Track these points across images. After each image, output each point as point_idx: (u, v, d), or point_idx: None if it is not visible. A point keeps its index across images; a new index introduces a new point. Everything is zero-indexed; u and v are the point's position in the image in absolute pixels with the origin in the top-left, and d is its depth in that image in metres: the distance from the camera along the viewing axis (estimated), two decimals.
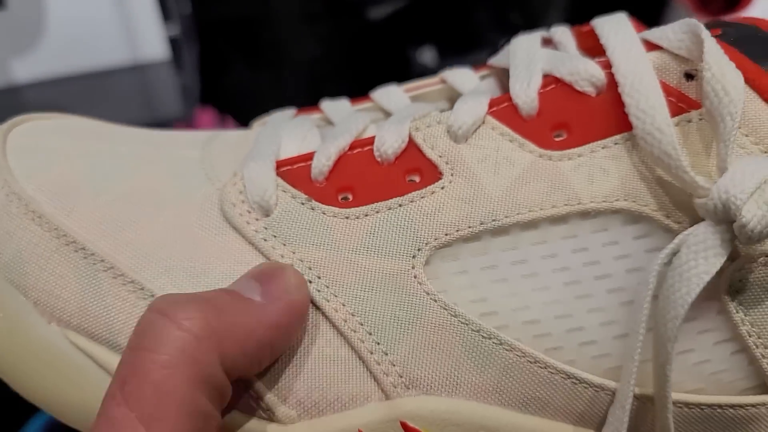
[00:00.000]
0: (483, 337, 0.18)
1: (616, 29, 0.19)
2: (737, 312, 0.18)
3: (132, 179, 0.20)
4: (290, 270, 0.18)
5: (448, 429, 0.19)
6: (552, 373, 0.19)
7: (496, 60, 0.22)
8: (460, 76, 0.23)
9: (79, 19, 0.58)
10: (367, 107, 0.23)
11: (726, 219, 0.16)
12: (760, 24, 0.20)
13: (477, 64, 0.24)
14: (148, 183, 0.20)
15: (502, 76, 0.22)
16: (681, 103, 0.18)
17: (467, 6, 0.71)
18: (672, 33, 0.19)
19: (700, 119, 0.18)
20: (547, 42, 0.21)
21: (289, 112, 0.23)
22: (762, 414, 0.19)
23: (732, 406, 0.19)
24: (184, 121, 0.61)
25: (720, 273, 0.17)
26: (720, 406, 0.19)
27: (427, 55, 0.70)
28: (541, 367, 0.19)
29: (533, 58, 0.20)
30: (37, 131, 0.22)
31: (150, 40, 0.60)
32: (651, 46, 0.19)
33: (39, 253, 0.19)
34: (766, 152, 0.18)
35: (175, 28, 0.61)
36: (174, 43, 0.61)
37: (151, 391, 0.15)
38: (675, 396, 0.18)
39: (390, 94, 0.23)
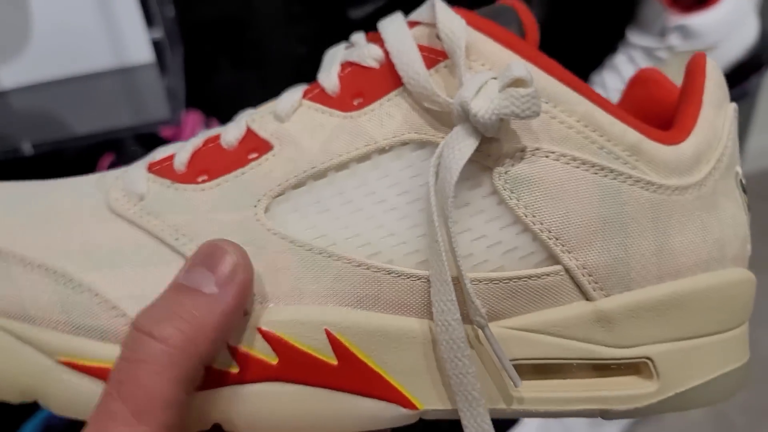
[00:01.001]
0: (315, 253, 0.24)
1: (389, 21, 0.26)
2: (511, 199, 0.23)
3: (38, 204, 0.26)
4: (230, 246, 0.23)
5: (296, 329, 0.23)
6: (375, 272, 0.24)
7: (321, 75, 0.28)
8: (295, 87, 0.28)
9: (63, 24, 0.58)
10: None
11: (467, 117, 0.22)
12: (516, 6, 0.28)
13: None
14: (55, 204, 0.26)
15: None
16: (434, 56, 0.24)
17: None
18: (424, 10, 0.25)
19: (446, 66, 0.24)
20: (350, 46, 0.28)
21: None
22: (556, 281, 0.24)
23: (529, 277, 0.24)
24: (171, 124, 0.61)
25: (489, 171, 0.23)
26: (518, 278, 0.24)
27: None
28: (365, 269, 0.24)
29: (335, 56, 0.26)
30: None
31: (134, 43, 0.61)
32: (414, 24, 0.25)
33: None
34: (491, 70, 0.23)
35: (159, 30, 0.61)
36: (158, 45, 0.62)
37: (142, 392, 0.20)
38: (480, 274, 0.23)
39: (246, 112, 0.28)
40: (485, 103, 0.21)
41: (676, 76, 0.28)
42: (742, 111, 0.97)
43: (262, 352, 0.23)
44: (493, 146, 0.23)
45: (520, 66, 0.21)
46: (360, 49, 0.26)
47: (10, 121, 0.62)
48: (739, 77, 0.72)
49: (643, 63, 0.72)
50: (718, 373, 0.25)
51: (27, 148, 0.63)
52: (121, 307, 0.23)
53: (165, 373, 0.20)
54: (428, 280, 0.23)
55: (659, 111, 0.28)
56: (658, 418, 1.24)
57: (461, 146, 0.22)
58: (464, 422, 0.22)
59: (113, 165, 0.66)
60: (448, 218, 0.22)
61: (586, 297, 0.24)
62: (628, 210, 0.23)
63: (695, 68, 0.26)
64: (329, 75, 0.25)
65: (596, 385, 0.24)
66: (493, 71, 0.23)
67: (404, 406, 0.24)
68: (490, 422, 0.22)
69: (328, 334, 0.23)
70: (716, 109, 0.25)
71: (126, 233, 0.24)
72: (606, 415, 0.24)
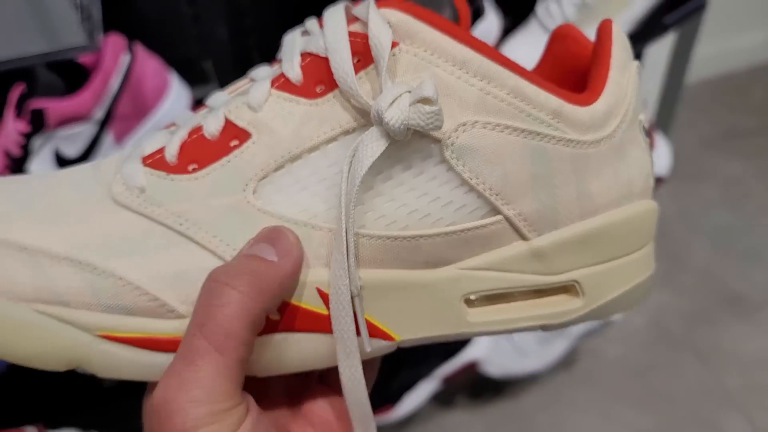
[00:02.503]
0: (300, 226, 0.28)
1: (331, 13, 0.28)
2: (458, 166, 0.27)
3: (47, 199, 0.28)
4: (287, 230, 0.27)
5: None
6: (305, 227, 0.28)
7: (280, 54, 0.30)
8: (259, 71, 0.30)
9: None
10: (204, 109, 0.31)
11: (381, 122, 0.25)
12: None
13: None
14: (62, 199, 0.28)
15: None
16: (365, 58, 0.27)
17: None
18: (362, 9, 0.27)
19: (373, 69, 0.27)
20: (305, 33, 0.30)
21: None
22: (498, 228, 0.29)
23: (476, 227, 0.28)
24: (88, 50, 0.55)
25: (438, 143, 0.27)
26: (468, 229, 0.28)
27: None
28: (302, 226, 0.28)
29: (294, 44, 0.29)
30: None
31: None
32: (353, 20, 0.28)
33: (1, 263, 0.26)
34: (433, 54, 0.26)
35: None
36: None
37: (222, 331, 0.24)
38: (437, 230, 0.28)
39: (217, 96, 0.30)
40: (396, 114, 0.25)
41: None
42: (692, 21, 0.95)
43: (271, 312, 0.28)
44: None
45: (429, 86, 0.24)
46: (315, 40, 0.28)
47: None
48: None
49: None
50: (630, 285, 0.31)
51: None
52: (143, 287, 0.27)
53: (239, 316, 0.24)
54: (381, 238, 0.28)
55: (576, 64, 0.32)
56: (603, 330, 1.28)
57: (373, 146, 0.25)
58: (341, 370, 0.27)
59: (24, 96, 0.59)
60: (352, 203, 0.26)
61: (523, 238, 0.29)
62: (553, 165, 0.28)
63: (603, 34, 0.30)
64: (292, 65, 0.28)
65: (535, 306, 0.30)
66: (407, 84, 0.26)
67: (385, 339, 0.29)
68: (361, 372, 0.27)
69: (318, 291, 0.28)
70: (621, 69, 0.30)
71: (134, 223, 0.27)
72: (545, 328, 0.30)
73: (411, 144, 0.27)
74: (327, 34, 0.27)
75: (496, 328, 0.30)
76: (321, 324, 0.28)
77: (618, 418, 1.24)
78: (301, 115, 0.27)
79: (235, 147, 0.27)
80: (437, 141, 0.27)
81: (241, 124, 0.27)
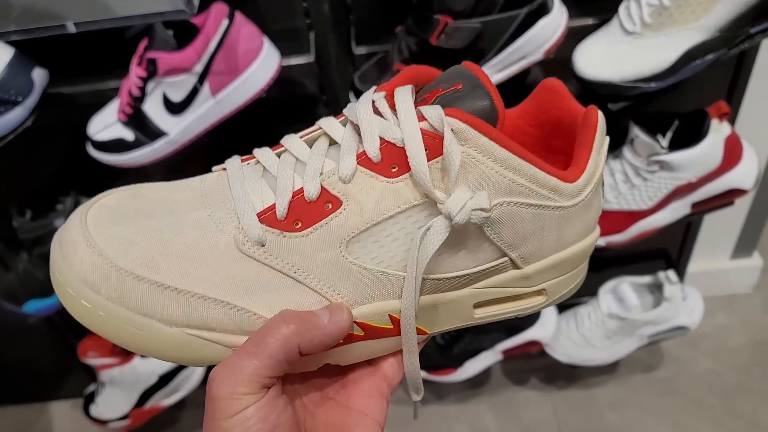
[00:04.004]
0: (378, 273, 0.36)
1: (404, 104, 0.35)
2: (487, 231, 0.36)
3: (181, 243, 0.35)
4: (344, 307, 0.36)
5: (373, 317, 0.37)
6: (382, 274, 0.36)
7: (348, 113, 0.37)
8: (330, 125, 0.37)
9: None
10: (282, 150, 0.38)
11: (449, 218, 0.34)
12: (472, 69, 0.37)
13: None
14: (193, 244, 0.35)
15: (354, 124, 0.37)
16: (434, 152, 0.34)
17: None
18: (432, 112, 0.34)
19: (443, 162, 0.34)
20: (375, 108, 0.37)
21: (237, 163, 0.38)
22: (503, 264, 0.38)
23: (490, 267, 0.38)
24: (186, 15, 0.66)
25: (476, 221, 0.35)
26: (486, 269, 0.38)
27: None
28: (393, 276, 0.36)
29: (371, 126, 0.35)
30: (106, 222, 0.36)
31: None
32: (421, 117, 0.35)
33: (155, 300, 0.34)
34: (481, 154, 0.34)
35: None
36: None
37: (268, 348, 0.33)
38: (466, 272, 0.38)
39: (294, 143, 0.38)
40: (462, 217, 0.34)
41: None
42: None
43: (357, 329, 0.37)
44: None
45: (485, 200, 0.34)
46: (391, 130, 0.35)
47: (58, 3, 0.69)
48: None
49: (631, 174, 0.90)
50: (572, 286, 0.42)
51: (71, 27, 0.71)
52: (268, 317, 0.35)
53: (281, 345, 0.33)
54: (431, 280, 0.38)
55: (558, 114, 0.40)
56: (697, 342, 1.24)
57: (442, 232, 0.34)
58: (405, 361, 0.38)
59: (145, 48, 0.72)
60: (422, 267, 0.35)
61: (517, 267, 0.39)
62: (546, 223, 0.37)
63: (589, 121, 0.38)
64: (373, 147, 0.35)
65: (515, 305, 0.41)
66: (470, 190, 0.34)
67: (420, 334, 0.39)
68: (417, 360, 0.38)
69: (390, 316, 0.37)
70: (598, 149, 0.38)
71: (259, 270, 0.35)
72: (518, 316, 0.41)
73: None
74: (404, 131, 0.34)
75: (491, 319, 0.41)
76: (387, 333, 0.38)
77: None
78: (380, 190, 0.35)
79: (330, 211, 0.35)
80: None
81: (334, 192, 0.35)
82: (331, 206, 0.35)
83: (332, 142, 0.37)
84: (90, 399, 1.17)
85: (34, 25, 0.70)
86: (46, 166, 0.94)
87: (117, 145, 0.78)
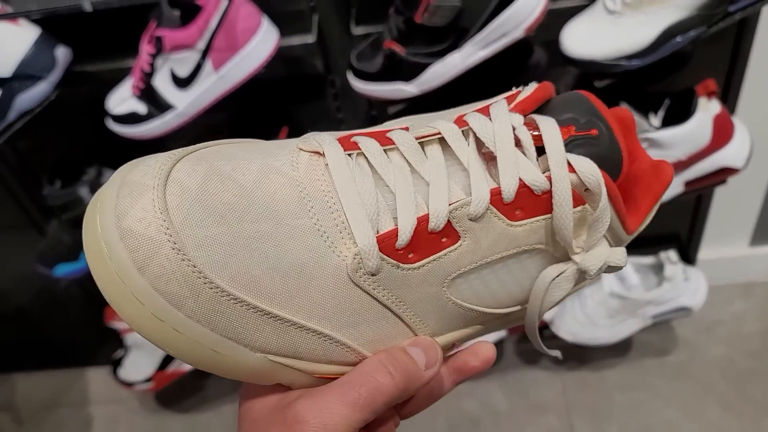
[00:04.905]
0: (470, 312, 0.35)
1: (556, 152, 0.32)
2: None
3: (286, 259, 0.31)
4: (437, 347, 0.34)
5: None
6: (497, 317, 0.36)
7: (479, 131, 0.33)
8: (453, 137, 0.33)
9: None
10: (391, 147, 0.33)
11: (584, 273, 0.33)
12: (602, 109, 0.34)
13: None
14: (298, 263, 0.31)
15: (480, 142, 0.33)
16: (578, 201, 0.32)
17: None
18: (586, 166, 0.32)
19: (582, 213, 0.33)
20: (516, 139, 0.33)
21: (339, 152, 0.33)
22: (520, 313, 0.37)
23: (512, 311, 0.36)
24: None
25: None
26: (513, 311, 0.36)
27: None
28: (491, 316, 0.36)
29: (515, 165, 0.32)
30: (195, 217, 0.29)
31: None
32: (571, 168, 0.32)
33: (250, 325, 0.30)
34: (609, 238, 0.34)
35: None
36: None
37: (368, 399, 0.31)
38: (504, 310, 0.36)
39: (409, 146, 0.33)
40: (596, 270, 0.32)
41: None
42: None
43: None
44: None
45: (622, 255, 0.33)
46: (533, 173, 0.32)
47: None
48: None
49: None
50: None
51: (87, 6, 0.78)
52: (358, 349, 0.33)
53: (384, 394, 0.31)
54: (501, 314, 0.36)
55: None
56: (713, 328, 1.24)
57: (569, 281, 0.33)
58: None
59: (155, 28, 0.79)
60: (545, 311, 0.34)
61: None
62: None
63: (661, 177, 0.36)
64: (510, 187, 0.32)
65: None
66: (607, 247, 0.33)
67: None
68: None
69: (454, 344, 0.36)
70: (656, 206, 0.37)
71: (361, 299, 0.32)
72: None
73: None
74: (555, 183, 0.31)
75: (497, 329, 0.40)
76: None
77: (700, 416, 1.22)
78: (499, 232, 0.32)
79: (445, 245, 0.32)
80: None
81: (458, 228, 0.32)
82: (446, 240, 0.32)
83: (445, 149, 0.33)
84: (118, 363, 1.25)
85: (53, 5, 0.77)
86: (71, 138, 1.02)
87: (132, 118, 0.85)
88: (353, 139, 0.33)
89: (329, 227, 0.31)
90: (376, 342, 0.33)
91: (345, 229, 0.31)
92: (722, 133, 0.86)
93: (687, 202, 1.13)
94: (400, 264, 0.32)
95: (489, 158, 0.33)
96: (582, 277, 0.34)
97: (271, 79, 0.88)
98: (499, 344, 1.23)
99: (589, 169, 0.31)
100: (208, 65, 0.79)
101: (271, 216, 0.30)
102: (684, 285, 1.07)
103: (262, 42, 0.79)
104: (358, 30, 0.88)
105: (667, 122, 0.88)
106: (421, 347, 0.34)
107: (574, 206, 0.32)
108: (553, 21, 0.81)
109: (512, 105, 0.34)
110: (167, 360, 1.21)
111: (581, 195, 0.32)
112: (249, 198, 0.30)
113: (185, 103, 0.82)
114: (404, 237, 0.31)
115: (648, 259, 1.12)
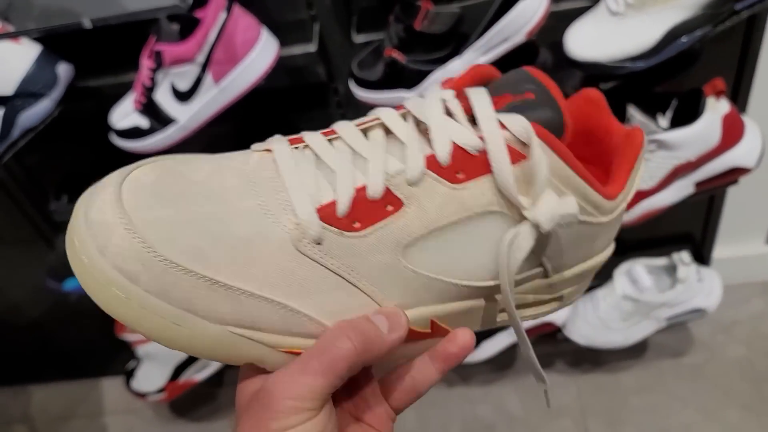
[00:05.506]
0: (431, 279, 0.35)
1: (484, 111, 0.34)
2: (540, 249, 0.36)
3: (231, 233, 0.32)
4: (401, 313, 0.34)
5: (418, 321, 0.36)
6: (458, 286, 0.35)
7: (414, 109, 0.35)
8: (390, 118, 0.35)
9: None
10: (334, 137, 0.35)
11: (537, 226, 0.33)
12: (540, 77, 0.36)
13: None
14: (244, 236, 0.32)
15: (417, 119, 0.35)
16: (517, 156, 0.33)
17: None
18: (515, 122, 0.33)
19: (523, 168, 0.33)
20: (446, 109, 0.35)
21: (285, 146, 0.35)
22: (538, 272, 0.37)
23: (528, 276, 0.37)
24: (181, 10, 0.72)
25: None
26: (524, 278, 0.37)
27: None
28: (454, 285, 0.35)
29: (445, 129, 0.34)
30: (145, 202, 0.32)
31: None
32: (503, 126, 0.33)
33: (203, 296, 0.32)
34: (555, 174, 0.33)
35: None
36: None
37: (329, 364, 0.31)
38: (517, 277, 0.36)
39: (349, 131, 0.35)
40: (548, 223, 0.33)
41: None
42: None
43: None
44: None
45: (572, 203, 0.33)
46: (465, 135, 0.33)
47: (73, 1, 0.76)
48: None
49: None
50: (581, 292, 0.42)
51: (87, 23, 0.78)
52: (320, 320, 0.33)
53: (345, 359, 0.32)
54: (477, 287, 0.36)
55: (593, 125, 0.39)
56: (730, 329, 1.22)
57: (527, 237, 0.33)
58: (524, 354, 0.37)
59: (154, 43, 0.78)
60: (512, 274, 0.34)
61: (545, 276, 0.38)
62: (583, 237, 0.37)
63: (633, 142, 0.37)
64: (444, 151, 0.33)
65: (532, 311, 0.40)
66: (554, 199, 0.33)
67: (444, 335, 0.38)
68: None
69: (432, 321, 0.36)
70: (637, 169, 0.38)
71: (312, 268, 0.33)
72: (535, 318, 0.41)
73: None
74: (487, 139, 0.33)
75: (509, 323, 0.40)
76: (423, 337, 0.37)
77: (718, 418, 1.20)
78: (443, 195, 0.33)
79: (390, 213, 0.33)
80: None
81: (397, 194, 0.33)
82: (391, 208, 0.33)
83: (388, 135, 0.35)
84: (131, 374, 1.25)
85: (53, 23, 0.77)
86: (77, 154, 1.02)
87: (135, 133, 0.85)
88: (300, 134, 0.36)
89: (273, 206, 0.33)
90: (340, 314, 0.34)
91: (288, 206, 0.33)
92: (732, 133, 0.84)
93: (700, 202, 1.11)
94: (344, 232, 0.33)
95: (426, 132, 0.34)
96: (543, 238, 0.34)
97: (274, 89, 0.88)
98: (512, 348, 1.22)
99: (518, 122, 0.33)
100: (209, 78, 0.79)
101: (219, 200, 0.33)
102: (698, 286, 1.05)
103: (262, 53, 0.79)
104: (359, 38, 0.87)
105: (675, 123, 0.86)
106: (383, 314, 0.34)
107: (514, 162, 0.33)
108: (556, 23, 0.80)
109: (444, 85, 0.37)
110: (179, 370, 1.21)
111: (520, 151, 0.33)
112: (199, 188, 0.33)
113: (187, 117, 0.82)
114: (343, 206, 0.33)
115: (661, 261, 1.10)
